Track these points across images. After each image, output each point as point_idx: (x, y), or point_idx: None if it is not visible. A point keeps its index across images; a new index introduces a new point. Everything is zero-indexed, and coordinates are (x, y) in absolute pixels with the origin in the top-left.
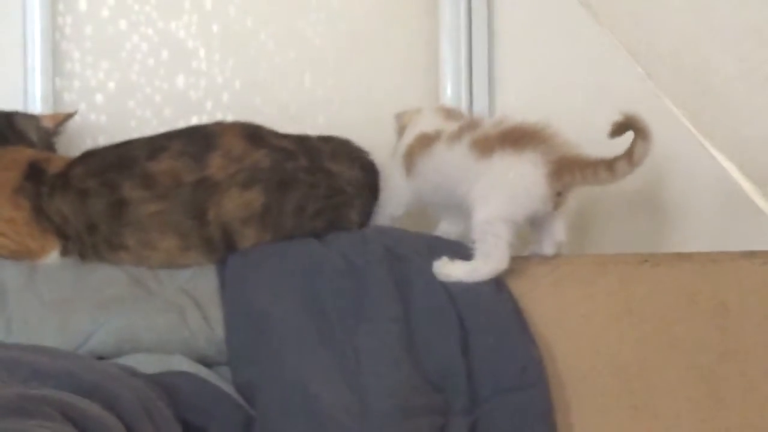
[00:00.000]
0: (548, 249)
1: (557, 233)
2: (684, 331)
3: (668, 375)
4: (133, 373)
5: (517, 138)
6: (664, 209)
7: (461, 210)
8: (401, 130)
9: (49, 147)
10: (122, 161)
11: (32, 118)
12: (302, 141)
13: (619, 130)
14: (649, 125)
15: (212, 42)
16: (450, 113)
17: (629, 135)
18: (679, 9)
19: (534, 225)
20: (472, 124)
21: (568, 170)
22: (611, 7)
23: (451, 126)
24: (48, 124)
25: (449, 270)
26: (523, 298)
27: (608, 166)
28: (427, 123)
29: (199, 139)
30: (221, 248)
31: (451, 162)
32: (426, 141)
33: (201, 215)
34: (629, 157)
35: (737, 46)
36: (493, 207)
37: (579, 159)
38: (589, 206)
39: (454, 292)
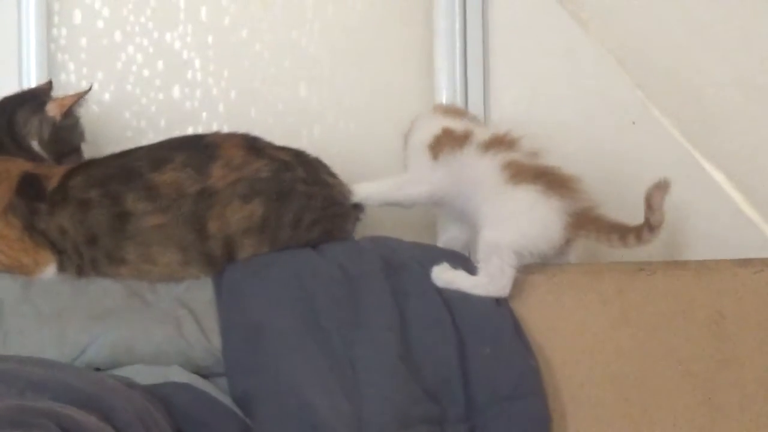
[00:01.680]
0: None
1: (569, 257)
2: (680, 339)
3: (664, 383)
4: (130, 385)
5: (551, 181)
6: None
7: (468, 219)
8: (405, 138)
9: (58, 141)
10: (125, 172)
11: (37, 114)
12: (298, 154)
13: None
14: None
15: (207, 53)
16: (449, 111)
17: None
18: (670, 19)
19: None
20: (508, 142)
21: (585, 227)
22: (602, 18)
23: (481, 131)
24: (54, 113)
25: (449, 277)
26: (519, 307)
27: (622, 236)
28: (447, 121)
29: (200, 150)
30: (221, 262)
31: (478, 171)
32: (455, 138)
33: (202, 228)
34: (642, 232)
35: (728, 57)
36: (504, 232)
37: (599, 221)
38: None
39: (450, 301)
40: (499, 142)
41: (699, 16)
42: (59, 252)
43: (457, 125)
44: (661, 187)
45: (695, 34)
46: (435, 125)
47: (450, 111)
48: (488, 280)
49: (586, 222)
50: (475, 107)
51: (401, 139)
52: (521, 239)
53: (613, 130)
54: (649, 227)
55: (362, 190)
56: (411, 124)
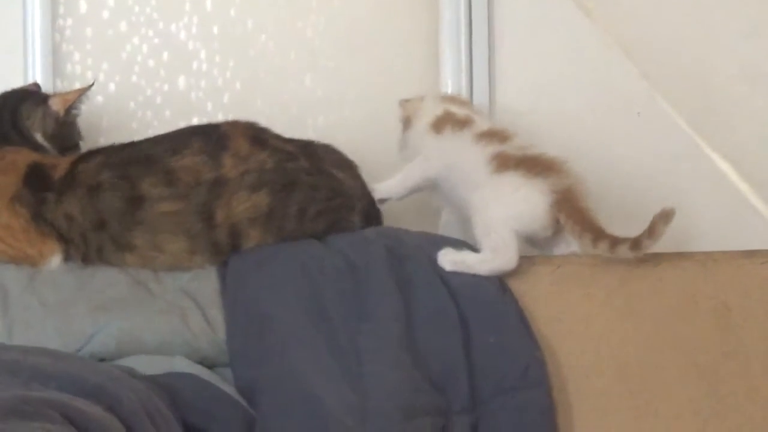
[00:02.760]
0: (558, 252)
1: (571, 243)
2: (685, 330)
3: (669, 374)
4: (134, 375)
5: (532, 165)
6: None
7: (457, 207)
8: (407, 120)
9: (61, 136)
10: (144, 157)
11: (41, 107)
12: (304, 145)
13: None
14: (662, 234)
15: (213, 43)
16: (455, 100)
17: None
18: (677, 9)
19: (541, 241)
20: (501, 135)
21: (566, 210)
22: (608, 8)
23: (481, 121)
24: (57, 107)
25: (456, 257)
26: (524, 298)
27: (594, 238)
28: (448, 105)
29: (214, 138)
30: (226, 251)
31: (468, 160)
32: (457, 121)
33: (210, 217)
34: (620, 245)
35: (734, 47)
36: (494, 211)
37: (581, 206)
38: (598, 215)
39: (455, 291)
40: (492, 135)
41: (705, 5)
42: (65, 241)
43: (459, 110)
44: (667, 216)
45: (701, 24)
46: (439, 108)
47: (455, 99)
48: (493, 254)
49: (569, 207)
50: (480, 97)
51: (401, 113)
52: (511, 219)
53: (619, 121)
54: (634, 245)
55: (383, 187)
56: (413, 107)
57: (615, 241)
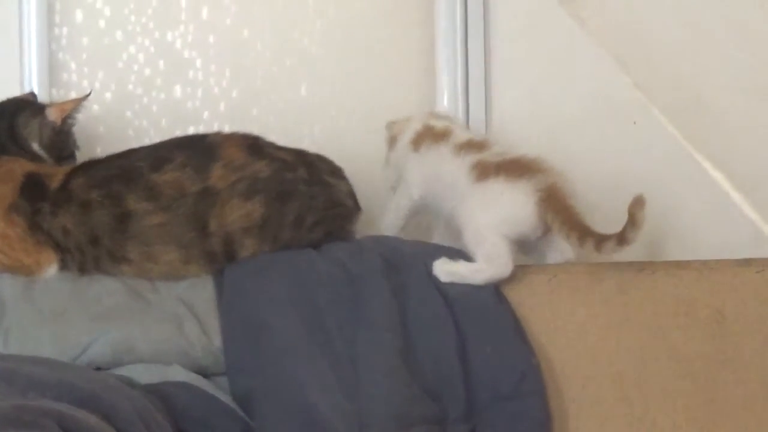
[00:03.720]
0: (552, 261)
1: (565, 250)
2: (681, 339)
3: (665, 383)
4: (131, 384)
5: (514, 167)
6: (659, 218)
7: (447, 221)
8: (392, 140)
9: (58, 145)
10: (126, 173)
11: (38, 117)
12: (300, 154)
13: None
14: (642, 221)
15: (209, 52)
16: (442, 118)
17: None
18: (670, 19)
19: (531, 245)
20: (479, 144)
21: (552, 208)
22: (601, 18)
23: (459, 132)
24: (54, 117)
25: (451, 268)
26: (520, 307)
27: (580, 235)
28: (429, 120)
29: (201, 150)
30: (221, 260)
31: (449, 171)
32: (434, 135)
33: (203, 227)
34: (607, 242)
35: (728, 57)
36: (482, 219)
37: (566, 204)
38: (586, 216)
39: (451, 300)
40: (470, 145)
41: (699, 16)
42: (62, 251)
43: (438, 124)
44: (640, 203)
45: (696, 35)
46: (419, 124)
47: (437, 116)
48: (487, 263)
49: (555, 205)
50: (476, 107)
51: (387, 134)
52: (500, 223)
53: (613, 130)
54: (620, 240)
55: (383, 229)
56: (399, 128)
57: (601, 239)
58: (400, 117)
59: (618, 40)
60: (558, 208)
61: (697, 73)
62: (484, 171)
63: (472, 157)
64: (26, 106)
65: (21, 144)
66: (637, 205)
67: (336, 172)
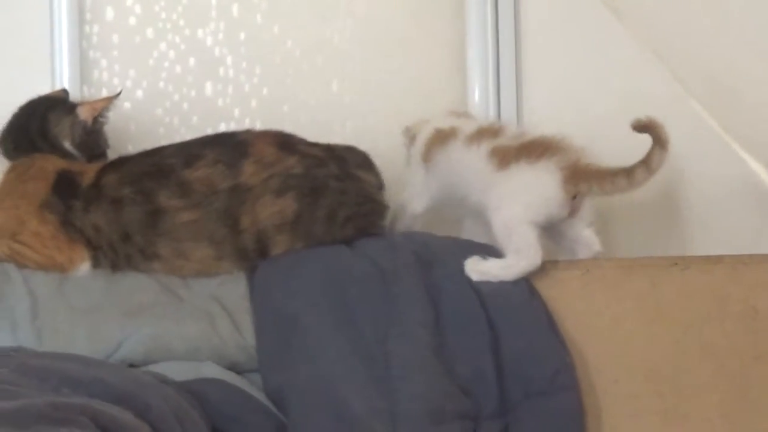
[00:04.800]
0: (582, 256)
1: (592, 244)
2: (714, 334)
3: (699, 379)
4: (164, 381)
5: (533, 149)
6: (693, 212)
7: (475, 213)
8: (411, 142)
9: (89, 144)
10: (158, 170)
11: (69, 116)
12: (330, 149)
13: (639, 128)
14: (667, 133)
15: (239, 49)
16: (460, 115)
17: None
18: (707, 12)
19: (561, 236)
20: (492, 131)
21: (583, 177)
22: (638, 10)
23: (468, 124)
24: (85, 116)
25: (482, 267)
26: (552, 302)
27: (627, 174)
28: (440, 121)
29: (232, 147)
30: (253, 257)
31: (467, 164)
32: (442, 137)
33: (235, 223)
34: (647, 164)
35: (765, 49)
36: (509, 209)
37: (595, 168)
38: (619, 209)
39: (484, 296)
40: (482, 133)
41: (736, 7)
42: (94, 248)
43: (446, 123)
44: (655, 123)
45: (732, 26)
46: (429, 129)
47: (456, 114)
48: (517, 257)
49: (581, 171)
50: (508, 103)
51: (405, 138)
52: (527, 209)
53: None
54: (647, 163)
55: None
56: (415, 128)
57: (629, 169)
58: (416, 120)
59: (654, 32)
60: (588, 176)
61: (736, 65)
62: (504, 158)
63: (487, 144)
64: (57, 104)
65: (52, 142)
66: (652, 125)
67: (364, 163)
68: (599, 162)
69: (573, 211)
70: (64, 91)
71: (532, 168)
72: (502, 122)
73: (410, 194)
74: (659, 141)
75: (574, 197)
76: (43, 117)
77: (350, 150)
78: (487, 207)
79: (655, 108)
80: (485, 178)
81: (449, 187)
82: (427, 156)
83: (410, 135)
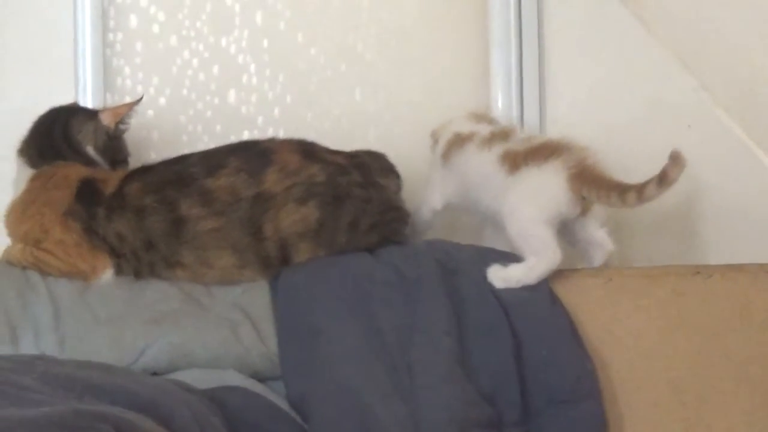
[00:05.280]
0: (598, 260)
1: (604, 243)
2: (737, 342)
3: (721, 387)
4: (187, 389)
5: (541, 151)
6: (717, 220)
7: (490, 218)
8: (435, 144)
9: (112, 149)
10: (181, 178)
11: (92, 121)
12: (353, 156)
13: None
14: (683, 161)
15: (263, 57)
16: (481, 117)
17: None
18: (732, 19)
19: (574, 238)
20: (503, 134)
21: (588, 181)
22: (663, 16)
23: (483, 129)
24: (108, 121)
25: (504, 274)
26: (575, 311)
27: (620, 194)
28: (461, 125)
29: (255, 155)
30: (276, 264)
31: (479, 169)
32: (460, 140)
33: (257, 231)
34: (639, 192)
35: None
36: (522, 211)
37: (600, 174)
38: (641, 218)
39: (507, 304)
40: (494, 137)
41: (761, 15)
42: (117, 256)
43: (465, 128)
44: (678, 157)
45: (758, 34)
46: (450, 132)
47: (477, 116)
48: (536, 258)
49: (588, 178)
50: (531, 110)
51: (431, 141)
52: (541, 210)
53: (674, 133)
54: (661, 180)
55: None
56: (441, 130)
57: (641, 186)
58: (441, 123)
59: (679, 39)
60: (591, 179)
61: (762, 73)
62: (515, 162)
63: (498, 148)
64: (79, 110)
65: (75, 148)
66: (674, 158)
67: (387, 169)
68: (606, 168)
69: (584, 210)
70: (75, 104)
71: (540, 170)
72: (512, 125)
73: (431, 190)
74: (665, 176)
75: (584, 196)
76: (66, 123)
77: (371, 155)
78: (501, 212)
79: (680, 115)
80: (497, 182)
81: (464, 190)
82: (447, 156)
83: (435, 138)
